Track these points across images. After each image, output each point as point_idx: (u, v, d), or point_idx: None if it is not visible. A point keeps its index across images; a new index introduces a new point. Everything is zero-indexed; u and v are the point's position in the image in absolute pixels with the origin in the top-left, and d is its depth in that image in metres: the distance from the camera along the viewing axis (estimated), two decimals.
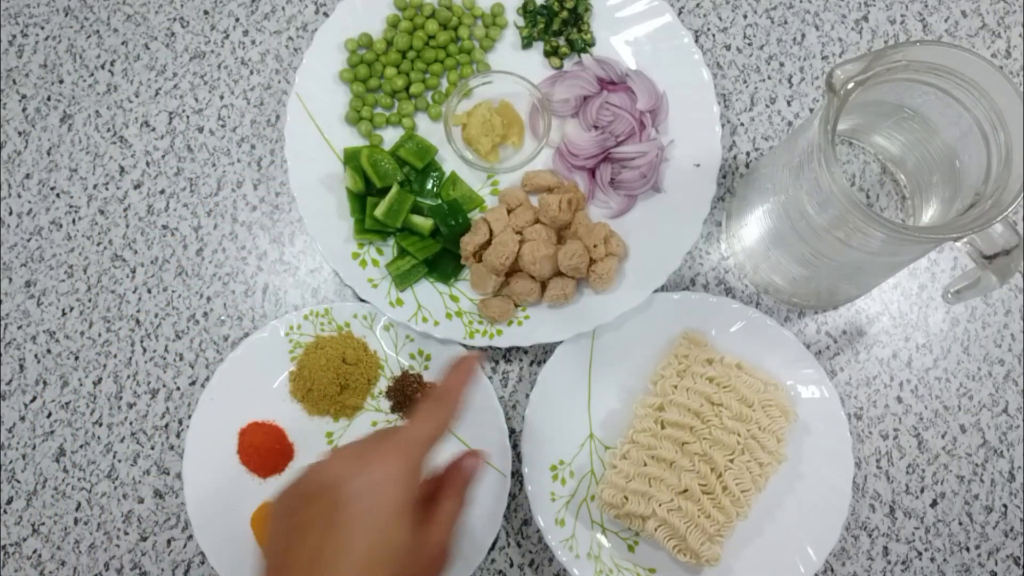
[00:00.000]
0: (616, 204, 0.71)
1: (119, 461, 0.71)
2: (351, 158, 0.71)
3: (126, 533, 0.70)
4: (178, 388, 0.72)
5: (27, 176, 0.76)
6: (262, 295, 0.74)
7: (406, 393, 0.69)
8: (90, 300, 0.74)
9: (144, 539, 0.70)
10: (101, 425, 0.72)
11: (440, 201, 0.71)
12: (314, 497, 0.49)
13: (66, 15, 0.79)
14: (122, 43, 0.78)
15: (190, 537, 0.70)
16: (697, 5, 0.78)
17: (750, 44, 0.77)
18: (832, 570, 0.69)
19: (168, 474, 0.71)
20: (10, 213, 0.75)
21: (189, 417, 0.71)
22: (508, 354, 0.72)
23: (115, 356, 0.73)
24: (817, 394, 0.68)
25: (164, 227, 0.75)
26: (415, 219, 0.69)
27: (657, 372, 0.69)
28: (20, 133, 0.77)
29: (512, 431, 0.70)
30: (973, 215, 0.54)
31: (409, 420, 0.52)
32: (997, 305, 0.72)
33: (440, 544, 0.51)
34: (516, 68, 0.72)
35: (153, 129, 0.77)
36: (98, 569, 0.70)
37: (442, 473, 0.54)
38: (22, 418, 0.72)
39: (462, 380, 0.54)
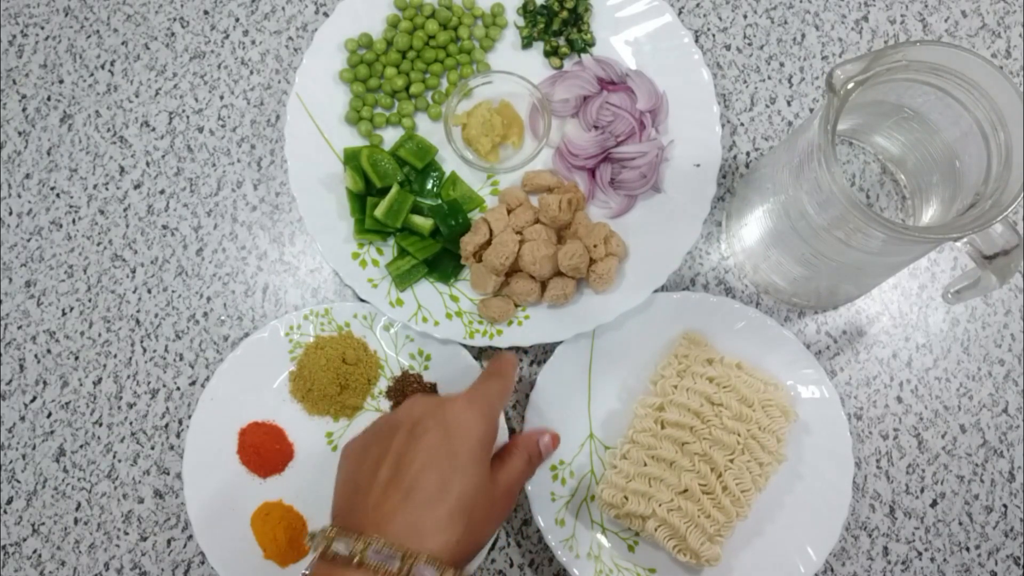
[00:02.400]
0: (616, 204, 0.71)
1: (119, 461, 0.71)
2: (351, 158, 0.71)
3: (126, 533, 0.70)
4: (178, 388, 0.72)
5: (27, 176, 0.76)
6: (262, 295, 0.74)
7: (406, 393, 0.69)
8: (90, 300, 0.74)
9: (144, 539, 0.70)
10: (101, 425, 0.72)
11: (440, 201, 0.71)
12: (390, 432, 0.52)
13: (66, 15, 0.79)
14: (122, 43, 0.78)
15: (190, 537, 0.70)
16: (697, 5, 0.78)
17: (750, 44, 0.77)
18: (832, 570, 0.69)
19: (168, 474, 0.71)
20: (10, 213, 0.75)
21: (189, 417, 0.71)
22: None
23: (115, 356, 0.73)
24: (817, 394, 0.68)
25: (164, 227, 0.75)
26: (415, 219, 0.69)
27: (657, 372, 0.69)
28: (20, 133, 0.77)
29: (512, 431, 0.70)
30: (973, 215, 0.54)
31: (476, 382, 0.56)
32: (997, 305, 0.72)
33: (508, 490, 0.54)
34: (516, 68, 0.72)
35: (153, 129, 0.77)
36: (98, 569, 0.70)
37: (514, 439, 0.58)
38: (22, 418, 0.72)
39: (509, 362, 0.59)
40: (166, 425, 0.72)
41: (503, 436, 0.67)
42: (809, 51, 0.77)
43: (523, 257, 0.67)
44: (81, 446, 0.71)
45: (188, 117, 0.77)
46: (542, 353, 0.72)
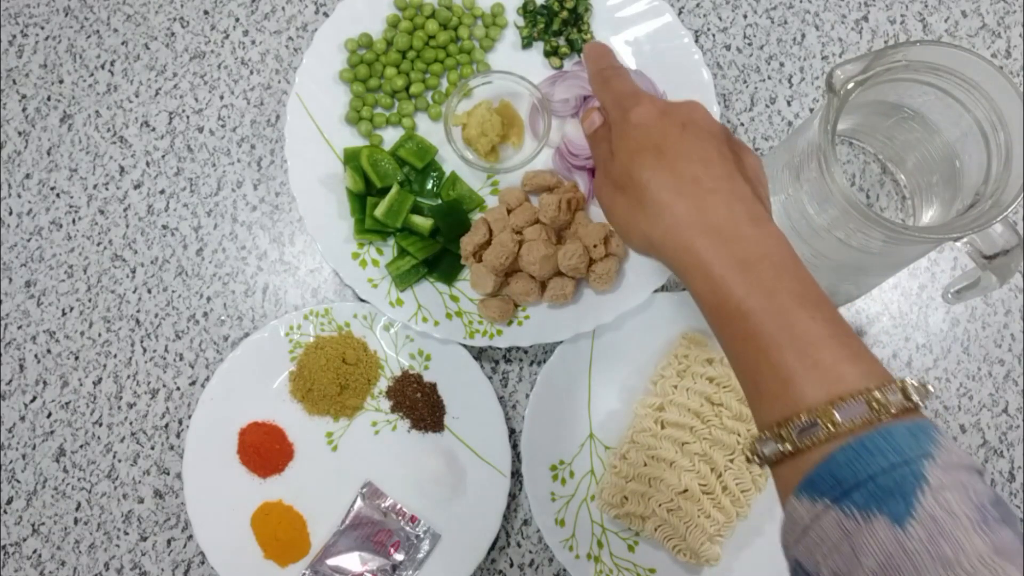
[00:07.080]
0: None
1: (119, 461, 0.71)
2: (351, 158, 0.71)
3: (126, 533, 0.70)
4: (178, 388, 0.72)
5: (27, 176, 0.76)
6: (262, 295, 0.74)
7: (406, 393, 0.69)
8: (90, 300, 0.74)
9: (144, 539, 0.70)
10: (101, 425, 0.72)
11: (440, 201, 0.71)
12: (661, 126, 0.49)
13: (66, 15, 0.79)
14: (122, 43, 0.78)
15: (190, 537, 0.70)
16: (697, 5, 0.78)
17: (750, 44, 0.77)
18: None
19: (168, 474, 0.71)
20: (10, 213, 0.75)
21: (189, 417, 0.71)
22: (508, 354, 0.72)
23: (115, 356, 0.73)
24: None
25: (164, 227, 0.75)
26: (415, 219, 0.69)
27: (657, 372, 0.69)
28: (20, 133, 0.77)
29: (512, 431, 0.70)
30: (973, 215, 0.54)
31: (625, 96, 0.52)
32: (997, 305, 0.72)
33: (756, 164, 0.51)
34: (516, 68, 0.72)
35: (153, 129, 0.77)
36: (98, 569, 0.70)
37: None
38: (22, 418, 0.72)
39: (603, 53, 0.57)
40: (166, 425, 0.72)
41: (501, 435, 0.67)
42: (809, 51, 0.77)
43: (523, 257, 0.67)
44: (81, 446, 0.71)
45: (188, 117, 0.77)
46: (542, 353, 0.72)
